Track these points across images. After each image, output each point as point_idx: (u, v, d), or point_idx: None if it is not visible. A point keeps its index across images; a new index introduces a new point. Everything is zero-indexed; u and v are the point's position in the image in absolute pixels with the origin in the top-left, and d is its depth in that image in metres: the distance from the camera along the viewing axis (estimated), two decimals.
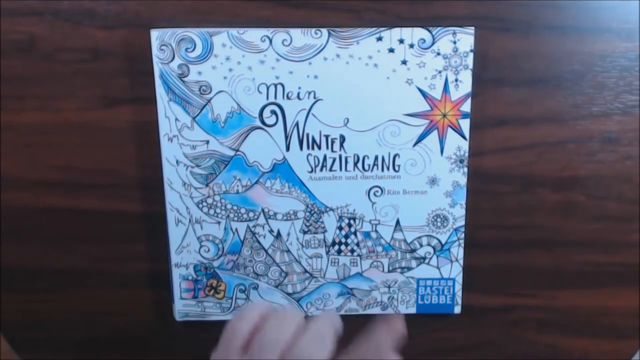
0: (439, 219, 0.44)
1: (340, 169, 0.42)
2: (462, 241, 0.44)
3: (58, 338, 0.48)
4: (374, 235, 0.44)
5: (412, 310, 0.46)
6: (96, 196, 0.44)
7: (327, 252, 0.44)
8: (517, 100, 0.42)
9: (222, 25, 0.40)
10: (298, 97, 0.41)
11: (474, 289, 0.46)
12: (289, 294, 0.45)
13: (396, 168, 0.42)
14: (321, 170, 0.42)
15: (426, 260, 0.45)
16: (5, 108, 0.42)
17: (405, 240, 0.44)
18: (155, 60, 0.40)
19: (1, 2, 0.40)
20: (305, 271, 0.44)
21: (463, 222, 0.44)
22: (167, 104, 0.41)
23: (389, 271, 0.45)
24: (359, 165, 0.42)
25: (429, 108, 0.41)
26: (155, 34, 0.39)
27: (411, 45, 0.40)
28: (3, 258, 0.45)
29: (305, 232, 0.43)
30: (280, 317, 0.36)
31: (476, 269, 0.45)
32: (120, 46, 0.41)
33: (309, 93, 0.41)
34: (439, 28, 0.40)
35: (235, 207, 0.43)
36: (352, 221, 0.43)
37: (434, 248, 0.44)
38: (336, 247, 0.44)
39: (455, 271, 0.45)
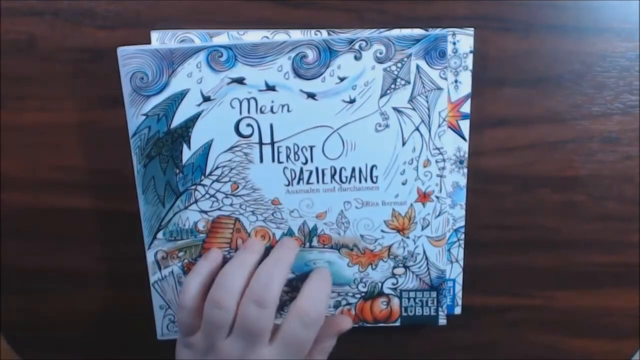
0: None
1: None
2: (462, 242, 0.44)
3: (58, 338, 0.48)
4: None
5: None
6: (96, 196, 0.44)
7: None
8: (517, 100, 0.42)
9: (222, 26, 0.40)
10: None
11: (474, 289, 0.46)
12: None
13: None
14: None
15: None
16: (5, 108, 0.42)
17: None
18: None
19: (1, 2, 0.40)
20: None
21: (463, 223, 0.44)
22: None
23: None
24: None
25: None
26: (155, 35, 0.39)
27: None
28: (3, 258, 0.45)
29: None
30: (235, 262, 0.38)
31: (476, 269, 0.45)
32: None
33: None
34: (438, 29, 0.40)
35: None
36: None
37: None
38: None
39: (455, 272, 0.45)
